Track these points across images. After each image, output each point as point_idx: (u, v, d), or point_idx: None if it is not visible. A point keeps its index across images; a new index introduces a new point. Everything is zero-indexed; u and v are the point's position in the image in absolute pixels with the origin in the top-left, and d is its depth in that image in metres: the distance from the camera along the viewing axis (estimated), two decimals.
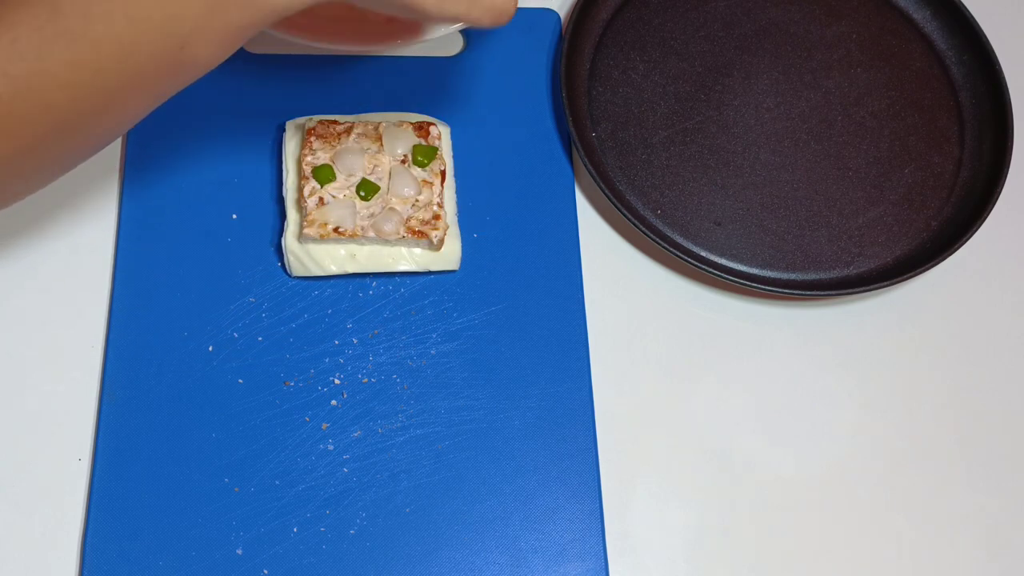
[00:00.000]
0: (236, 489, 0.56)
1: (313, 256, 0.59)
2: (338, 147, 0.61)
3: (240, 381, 0.58)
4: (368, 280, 0.61)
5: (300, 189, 0.60)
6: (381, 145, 0.61)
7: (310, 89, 0.66)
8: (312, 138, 0.61)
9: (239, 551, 0.54)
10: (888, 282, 0.64)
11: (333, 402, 0.58)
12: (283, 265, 0.61)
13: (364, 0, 0.46)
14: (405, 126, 0.62)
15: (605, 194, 0.64)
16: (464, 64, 0.68)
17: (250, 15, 0.42)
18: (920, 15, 0.73)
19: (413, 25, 0.60)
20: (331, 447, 0.57)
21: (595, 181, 0.64)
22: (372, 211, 0.60)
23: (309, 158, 0.60)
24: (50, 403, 0.57)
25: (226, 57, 0.45)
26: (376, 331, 0.60)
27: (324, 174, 0.60)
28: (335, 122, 0.62)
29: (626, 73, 0.70)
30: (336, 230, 0.59)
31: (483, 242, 0.63)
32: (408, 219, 0.59)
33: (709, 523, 0.59)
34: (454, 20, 0.46)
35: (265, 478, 0.56)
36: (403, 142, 0.61)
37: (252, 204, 0.62)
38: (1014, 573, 0.60)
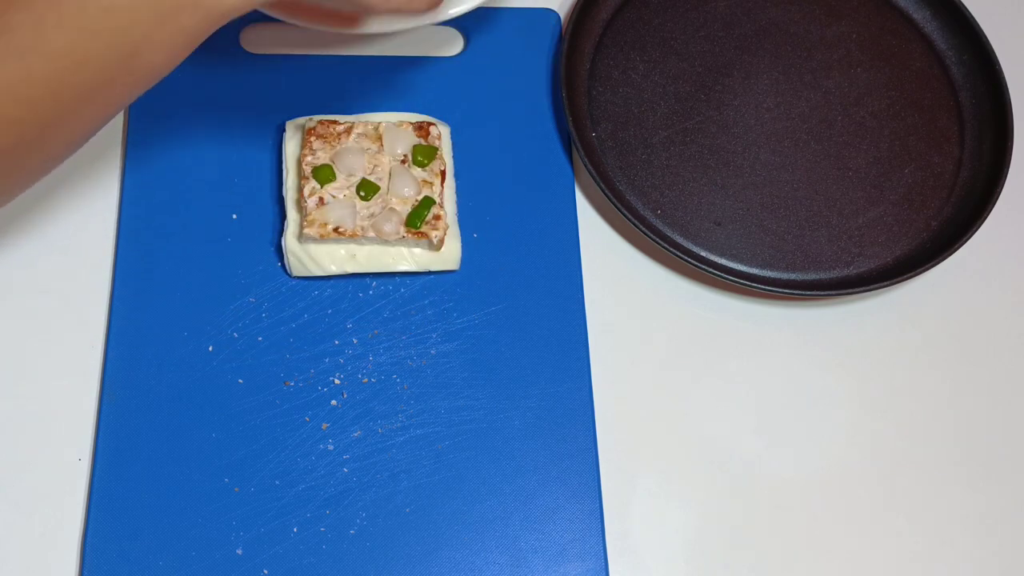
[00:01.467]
0: (236, 489, 0.56)
1: (313, 256, 0.59)
2: (338, 147, 0.61)
3: (240, 381, 0.58)
4: (368, 280, 0.61)
5: (300, 189, 0.60)
6: (381, 145, 0.61)
7: (310, 89, 0.66)
8: (312, 138, 0.61)
9: (239, 551, 0.54)
10: (888, 282, 0.64)
11: (333, 402, 0.58)
12: (283, 265, 0.61)
13: None
14: (405, 126, 0.62)
15: (605, 194, 0.64)
16: (464, 64, 0.68)
17: (200, 19, 0.43)
18: (920, 15, 0.73)
19: (352, 17, 0.60)
20: (331, 447, 0.57)
21: (595, 181, 0.64)
22: (372, 211, 0.60)
23: (309, 158, 0.60)
24: (50, 403, 0.57)
25: (180, 61, 0.45)
26: (376, 331, 0.60)
27: (324, 174, 0.60)
28: (335, 122, 0.62)
29: (626, 73, 0.70)
30: (336, 230, 0.59)
31: (483, 242, 0.63)
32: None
33: (709, 523, 0.59)
34: (396, 10, 0.47)
35: (265, 478, 0.56)
36: (403, 142, 0.61)
37: (252, 204, 0.62)
38: (1014, 573, 0.60)
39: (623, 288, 0.64)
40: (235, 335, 0.59)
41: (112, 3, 0.42)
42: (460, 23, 0.69)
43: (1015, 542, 0.61)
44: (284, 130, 0.63)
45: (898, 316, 0.66)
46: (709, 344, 0.63)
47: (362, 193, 0.60)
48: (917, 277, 0.64)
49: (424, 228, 0.59)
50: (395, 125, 0.62)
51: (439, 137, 0.62)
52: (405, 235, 0.59)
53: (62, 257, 0.61)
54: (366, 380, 0.59)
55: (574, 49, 0.68)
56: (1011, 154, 0.68)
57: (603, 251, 0.65)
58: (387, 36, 0.68)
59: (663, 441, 0.60)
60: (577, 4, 0.69)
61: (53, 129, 0.45)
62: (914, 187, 0.68)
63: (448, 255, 0.61)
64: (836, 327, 0.65)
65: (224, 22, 0.44)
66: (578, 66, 0.69)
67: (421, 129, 0.62)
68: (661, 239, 0.63)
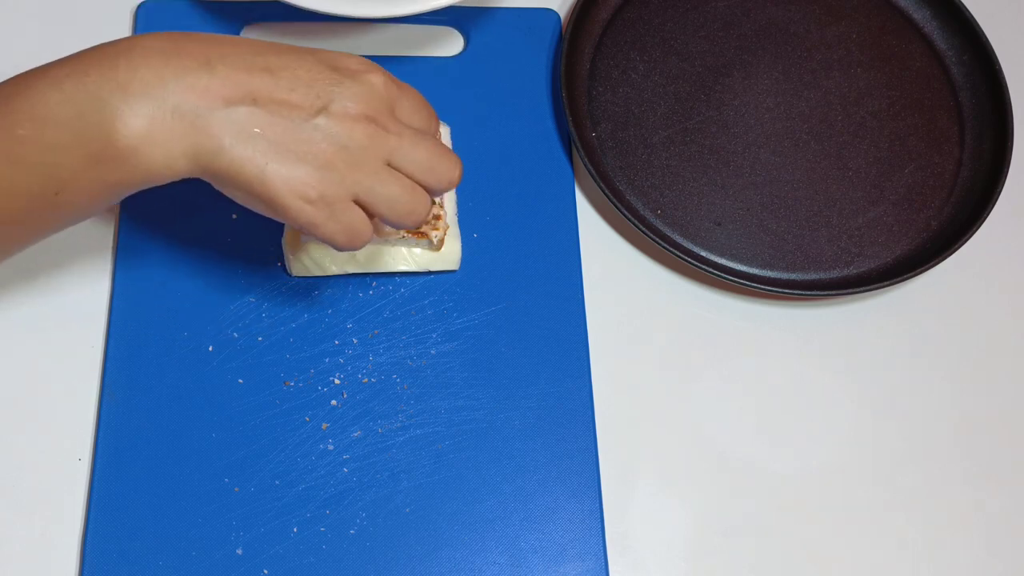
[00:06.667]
0: (236, 489, 0.56)
1: (313, 256, 0.59)
2: None
3: (240, 381, 0.58)
4: (368, 280, 0.61)
5: None
6: None
7: None
8: None
9: (239, 551, 0.54)
10: (888, 282, 0.64)
11: (333, 402, 0.58)
12: (283, 265, 0.61)
13: (234, 195, 0.47)
14: None
15: (605, 194, 0.64)
16: (464, 64, 0.68)
17: (125, 175, 0.45)
18: (920, 15, 0.74)
19: None
20: (331, 447, 0.57)
21: (595, 181, 0.64)
22: None
23: None
24: (50, 403, 0.57)
25: (102, 208, 0.48)
26: (376, 331, 0.60)
27: None
28: None
29: (626, 73, 0.70)
30: None
31: (483, 242, 0.63)
32: None
33: (709, 523, 0.59)
34: (309, 229, 0.47)
35: (265, 478, 0.56)
36: None
37: None
38: (1014, 573, 0.60)
39: (623, 288, 0.64)
40: (235, 335, 0.59)
41: (45, 140, 0.44)
42: (460, 23, 0.69)
43: (1015, 542, 0.61)
44: None
45: (898, 316, 0.66)
46: (709, 344, 0.63)
47: None
48: (917, 277, 0.64)
49: (424, 228, 0.59)
50: None
51: (439, 137, 0.62)
52: (405, 235, 0.59)
53: (61, 257, 0.61)
54: (366, 380, 0.59)
55: (574, 49, 0.68)
56: (1011, 154, 0.68)
57: (603, 251, 0.65)
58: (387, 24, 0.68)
59: (663, 441, 0.60)
60: (577, 4, 0.69)
61: None
62: (914, 187, 0.68)
63: (448, 255, 0.61)
64: (836, 327, 0.65)
65: (146, 184, 0.46)
66: (578, 66, 0.69)
67: None
68: (661, 239, 0.63)
